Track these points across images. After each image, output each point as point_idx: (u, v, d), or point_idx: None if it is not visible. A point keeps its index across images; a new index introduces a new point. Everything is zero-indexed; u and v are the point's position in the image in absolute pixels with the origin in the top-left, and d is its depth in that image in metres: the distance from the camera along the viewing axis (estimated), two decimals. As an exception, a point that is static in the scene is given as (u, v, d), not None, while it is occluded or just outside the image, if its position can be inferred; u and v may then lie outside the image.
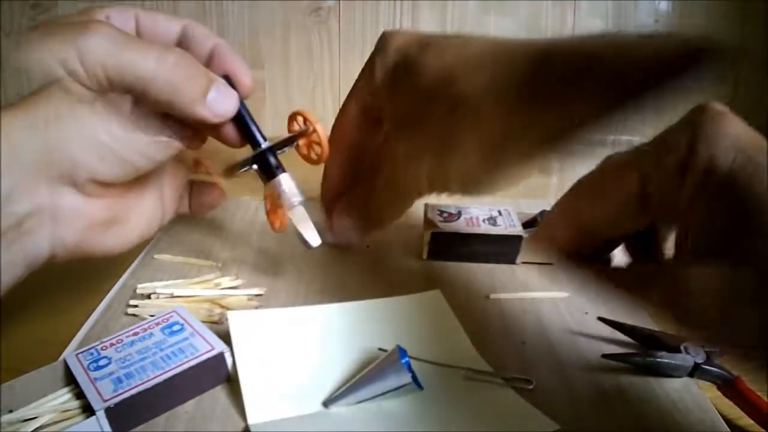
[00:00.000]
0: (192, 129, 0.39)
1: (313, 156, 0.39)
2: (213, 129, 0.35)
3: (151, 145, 0.30)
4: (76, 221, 0.29)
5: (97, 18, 0.34)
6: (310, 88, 0.84)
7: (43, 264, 0.29)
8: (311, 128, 0.37)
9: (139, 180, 0.31)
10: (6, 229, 0.26)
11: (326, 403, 0.27)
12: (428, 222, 0.41)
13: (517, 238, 0.40)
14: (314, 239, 0.35)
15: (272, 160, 0.35)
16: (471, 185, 0.32)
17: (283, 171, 0.35)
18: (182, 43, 0.38)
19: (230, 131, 0.35)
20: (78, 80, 0.29)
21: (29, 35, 0.30)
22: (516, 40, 0.30)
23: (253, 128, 0.35)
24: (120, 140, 0.28)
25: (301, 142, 0.38)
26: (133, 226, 0.32)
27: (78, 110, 0.28)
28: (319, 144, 0.38)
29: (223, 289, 0.37)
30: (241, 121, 0.35)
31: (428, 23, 0.80)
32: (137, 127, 0.30)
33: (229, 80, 0.34)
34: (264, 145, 0.35)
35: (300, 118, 0.38)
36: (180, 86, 0.31)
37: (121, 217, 0.31)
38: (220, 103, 0.33)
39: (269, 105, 0.84)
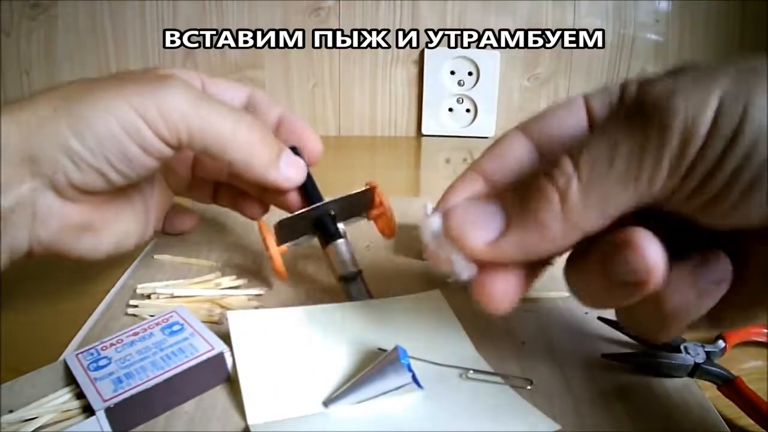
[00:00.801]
0: (256, 198, 0.40)
1: (385, 230, 0.39)
2: (278, 195, 0.35)
3: (123, 161, 0.29)
4: (51, 221, 0.29)
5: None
6: (310, 88, 0.84)
7: (22, 259, 0.29)
8: (377, 200, 0.37)
9: (120, 193, 0.31)
10: None
11: (326, 403, 0.27)
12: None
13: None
14: None
15: (330, 226, 0.35)
16: None
17: (340, 237, 0.35)
18: (248, 110, 0.38)
19: (294, 198, 0.36)
20: (157, 133, 0.29)
21: (92, 83, 0.29)
22: None
23: (315, 197, 0.36)
24: (94, 152, 0.28)
25: (372, 213, 0.38)
26: (107, 237, 0.32)
27: (58, 119, 0.27)
28: (385, 215, 0.37)
29: (223, 289, 0.37)
30: (305, 188, 0.35)
31: (428, 23, 0.80)
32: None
33: (294, 150, 0.35)
34: (319, 209, 0.35)
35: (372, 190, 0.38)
36: (256, 149, 0.32)
37: (95, 225, 0.31)
38: (291, 169, 0.34)
39: (269, 105, 0.84)
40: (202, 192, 0.42)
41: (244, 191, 0.40)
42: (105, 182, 0.29)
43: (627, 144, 0.20)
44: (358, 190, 0.36)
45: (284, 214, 0.36)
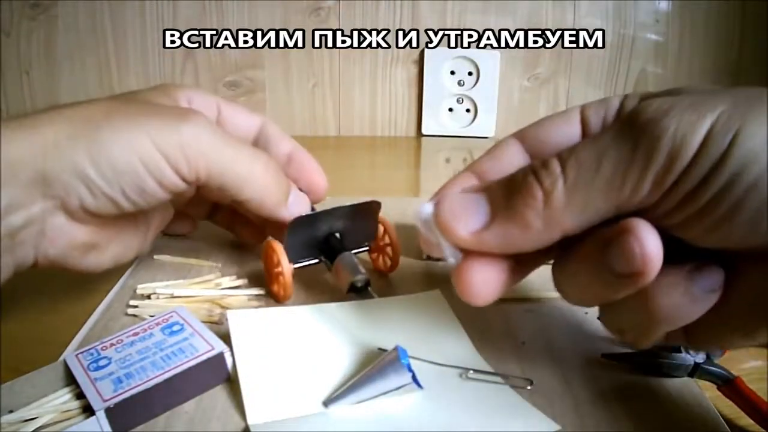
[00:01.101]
0: (255, 225, 0.41)
1: (383, 263, 0.40)
2: (281, 227, 0.36)
3: (138, 192, 0.29)
4: (59, 240, 0.29)
5: (179, 99, 0.35)
6: (310, 88, 0.84)
7: (28, 269, 0.30)
8: (381, 229, 0.38)
9: (126, 215, 0.31)
10: (3, 239, 0.26)
11: (326, 403, 0.27)
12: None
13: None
14: None
15: (336, 245, 0.36)
16: None
17: (344, 251, 0.36)
18: (260, 140, 0.39)
19: None
20: (175, 170, 0.29)
21: (115, 107, 0.29)
22: None
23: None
24: (110, 182, 0.28)
25: (373, 246, 0.39)
26: (110, 253, 0.32)
27: (76, 143, 0.27)
28: (391, 248, 0.38)
29: (223, 289, 0.37)
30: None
31: (428, 23, 0.80)
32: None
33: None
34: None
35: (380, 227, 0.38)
36: (269, 189, 0.33)
37: (100, 244, 0.31)
38: (298, 206, 0.35)
39: (269, 105, 0.84)
40: (199, 209, 0.42)
41: (243, 216, 0.41)
42: (116, 209, 0.29)
43: (615, 153, 0.20)
44: (362, 201, 0.37)
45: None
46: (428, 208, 0.25)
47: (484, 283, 0.24)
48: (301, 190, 0.37)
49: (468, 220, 0.23)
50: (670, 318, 0.22)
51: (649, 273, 0.20)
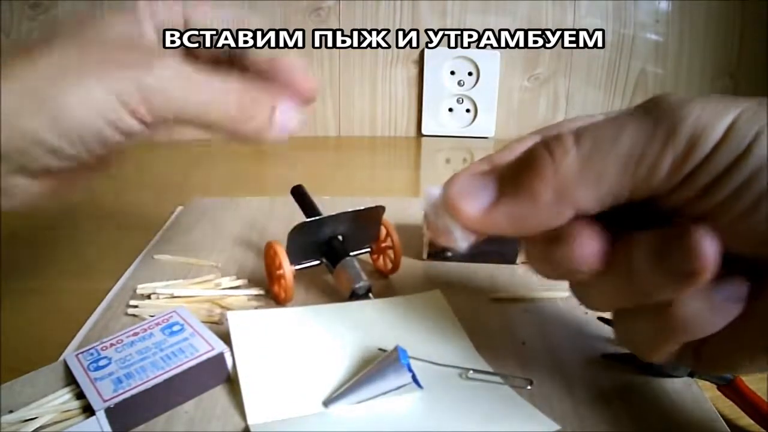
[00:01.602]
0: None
1: (384, 265, 0.40)
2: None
3: (102, 144, 0.28)
4: (19, 195, 0.28)
5: (143, 17, 0.34)
6: (310, 88, 0.84)
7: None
8: (383, 231, 0.38)
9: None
10: None
11: (326, 403, 0.27)
12: (428, 222, 0.41)
13: (517, 239, 0.40)
14: None
15: (339, 249, 0.36)
16: None
17: (346, 254, 0.36)
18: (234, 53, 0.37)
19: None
20: (138, 118, 0.28)
21: (74, 59, 0.28)
22: None
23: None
24: (73, 144, 0.27)
25: (375, 247, 0.39)
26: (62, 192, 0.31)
27: (35, 113, 0.26)
28: (393, 250, 0.38)
29: (223, 289, 0.37)
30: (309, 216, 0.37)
31: (428, 23, 0.80)
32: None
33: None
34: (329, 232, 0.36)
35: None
36: (246, 121, 0.32)
37: (60, 190, 0.30)
38: (285, 125, 0.33)
39: (269, 105, 0.84)
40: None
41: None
42: (77, 162, 0.29)
43: (635, 130, 0.20)
44: (367, 207, 0.37)
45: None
46: (436, 191, 0.24)
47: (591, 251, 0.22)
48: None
49: (476, 198, 0.22)
50: (689, 327, 0.21)
51: (708, 271, 0.19)
